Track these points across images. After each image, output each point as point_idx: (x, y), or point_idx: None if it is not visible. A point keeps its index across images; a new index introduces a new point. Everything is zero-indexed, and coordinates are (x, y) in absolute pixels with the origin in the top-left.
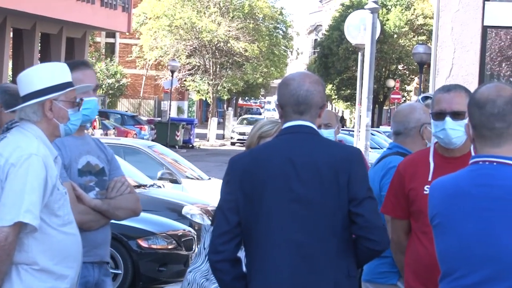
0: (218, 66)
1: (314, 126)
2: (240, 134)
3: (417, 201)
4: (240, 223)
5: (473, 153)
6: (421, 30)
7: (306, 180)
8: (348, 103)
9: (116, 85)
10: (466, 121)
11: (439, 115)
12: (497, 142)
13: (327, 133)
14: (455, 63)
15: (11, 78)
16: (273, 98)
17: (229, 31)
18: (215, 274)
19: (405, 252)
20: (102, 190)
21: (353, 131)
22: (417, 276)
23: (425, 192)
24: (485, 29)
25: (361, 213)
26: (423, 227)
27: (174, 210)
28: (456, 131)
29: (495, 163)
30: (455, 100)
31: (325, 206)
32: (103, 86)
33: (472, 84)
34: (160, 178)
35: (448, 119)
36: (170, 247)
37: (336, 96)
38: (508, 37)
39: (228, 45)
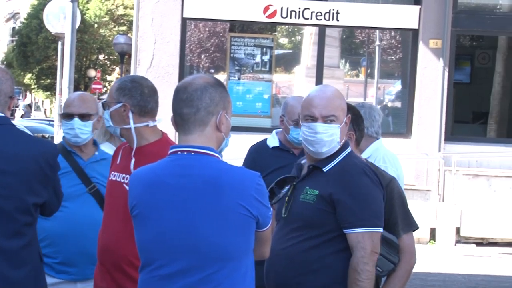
0: None
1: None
2: None
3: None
4: None
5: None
6: (122, 21)
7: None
8: (48, 92)
9: None
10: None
11: None
12: (187, 128)
13: None
14: (156, 54)
15: None
16: None
17: None
18: None
19: None
20: None
21: (54, 120)
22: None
23: (111, 178)
24: (184, 20)
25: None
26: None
27: None
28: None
29: (193, 153)
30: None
31: (20, 201)
32: None
33: (172, 75)
34: None
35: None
36: None
37: (36, 86)
38: (207, 29)
39: None
